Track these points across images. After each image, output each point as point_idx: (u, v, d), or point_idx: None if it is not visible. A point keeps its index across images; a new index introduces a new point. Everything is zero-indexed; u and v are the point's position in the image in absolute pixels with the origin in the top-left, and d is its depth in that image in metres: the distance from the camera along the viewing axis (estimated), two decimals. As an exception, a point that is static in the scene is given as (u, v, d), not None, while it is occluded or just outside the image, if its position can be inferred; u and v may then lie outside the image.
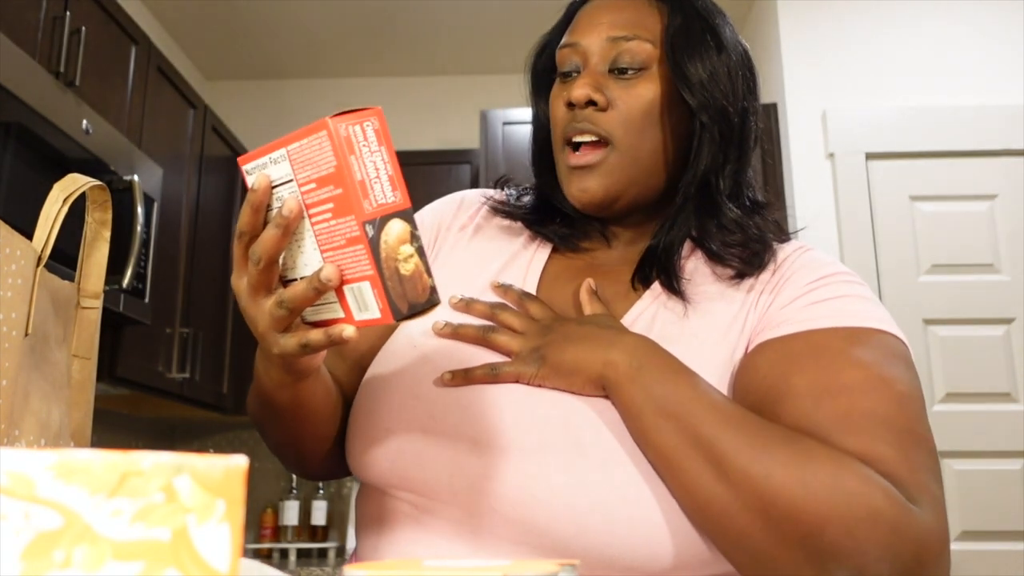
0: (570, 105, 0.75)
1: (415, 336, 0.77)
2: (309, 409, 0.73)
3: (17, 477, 0.27)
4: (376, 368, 0.78)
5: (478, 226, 0.86)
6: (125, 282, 1.93)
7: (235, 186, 3.03)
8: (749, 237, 0.75)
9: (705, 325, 0.72)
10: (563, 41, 0.79)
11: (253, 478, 3.20)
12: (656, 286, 0.75)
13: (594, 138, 0.74)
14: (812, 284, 0.71)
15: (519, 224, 0.84)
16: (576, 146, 0.76)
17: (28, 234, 0.70)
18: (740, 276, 0.74)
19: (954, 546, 2.35)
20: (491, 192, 0.89)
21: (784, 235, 0.79)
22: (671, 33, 0.74)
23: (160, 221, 2.30)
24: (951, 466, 2.40)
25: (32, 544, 0.26)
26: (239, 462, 0.29)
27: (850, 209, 2.58)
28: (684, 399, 0.61)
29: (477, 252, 0.84)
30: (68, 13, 1.95)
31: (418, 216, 0.87)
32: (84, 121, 1.89)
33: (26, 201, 1.68)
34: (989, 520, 2.36)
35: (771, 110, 2.83)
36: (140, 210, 2.00)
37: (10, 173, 1.66)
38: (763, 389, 0.64)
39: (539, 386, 0.67)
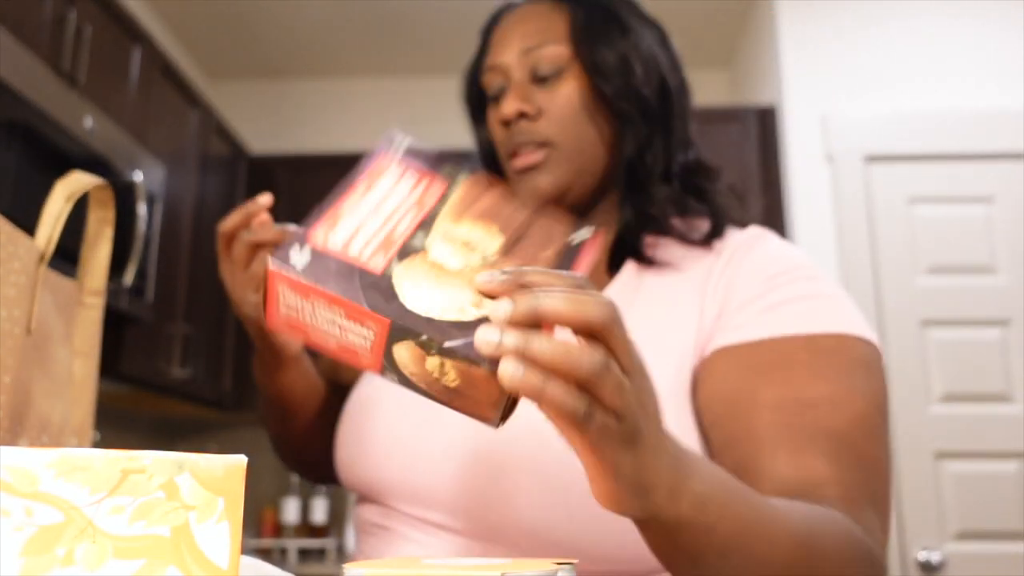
0: (505, 123, 0.78)
1: None
2: (293, 400, 0.81)
3: (19, 474, 0.27)
4: (366, 379, 0.80)
5: None
6: (127, 280, 1.93)
7: (236, 185, 3.03)
8: (694, 209, 0.78)
9: (667, 310, 0.73)
10: (484, 66, 0.82)
11: (253, 476, 3.20)
12: (624, 274, 0.77)
13: (535, 149, 0.77)
14: (770, 281, 0.70)
15: None
16: None
17: (31, 232, 0.70)
18: (705, 245, 0.76)
19: (951, 547, 2.35)
20: None
21: (741, 204, 0.80)
22: (576, 30, 0.77)
23: (162, 220, 2.30)
24: (948, 467, 2.41)
25: (33, 540, 0.27)
26: (239, 460, 0.29)
27: (849, 211, 2.58)
28: (739, 531, 0.51)
29: None
30: (72, 12, 1.95)
31: None
32: (87, 119, 1.90)
33: (29, 199, 1.68)
34: (986, 521, 2.36)
35: (770, 113, 2.83)
36: (142, 209, 2.00)
37: (13, 171, 1.66)
38: (731, 398, 0.65)
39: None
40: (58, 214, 0.72)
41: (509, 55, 0.78)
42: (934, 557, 2.31)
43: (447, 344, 0.40)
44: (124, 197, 2.00)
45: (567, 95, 0.77)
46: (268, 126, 3.54)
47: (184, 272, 2.59)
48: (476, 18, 3.54)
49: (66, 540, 0.27)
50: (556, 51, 0.77)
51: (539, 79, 0.77)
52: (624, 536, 0.62)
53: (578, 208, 0.81)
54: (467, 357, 0.40)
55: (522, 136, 0.77)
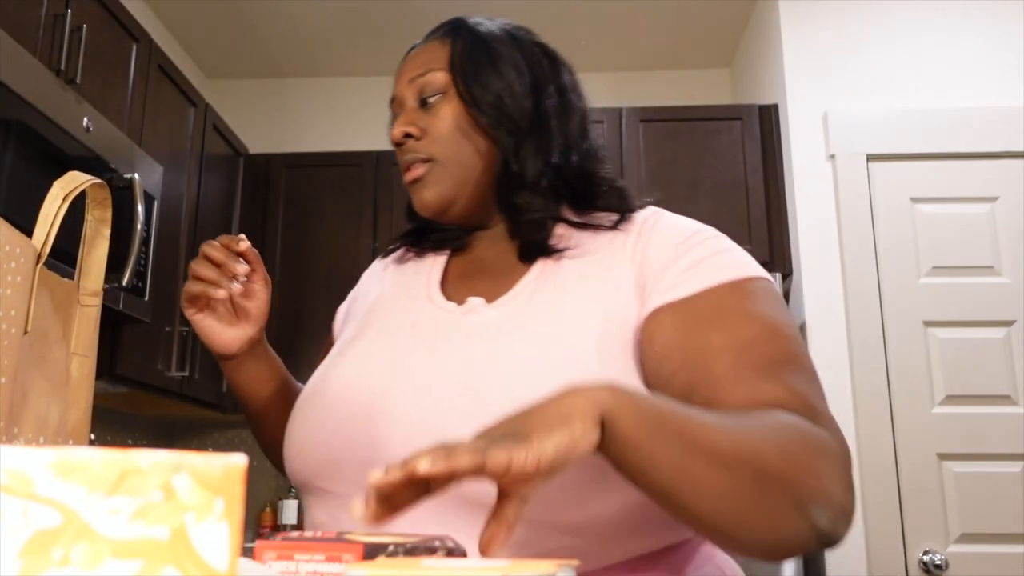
0: (397, 144, 0.89)
1: (343, 344, 0.89)
2: (243, 396, 0.96)
3: (16, 475, 0.27)
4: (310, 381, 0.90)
5: (395, 265, 0.99)
6: (125, 280, 1.93)
7: (235, 184, 3.03)
8: (596, 205, 0.88)
9: (585, 283, 0.81)
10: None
11: (252, 477, 3.20)
12: (539, 263, 0.85)
13: (420, 164, 0.88)
14: (681, 246, 0.80)
15: (423, 251, 0.97)
16: None
17: (28, 232, 0.70)
18: (613, 229, 0.85)
19: (953, 548, 2.35)
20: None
21: (619, 191, 0.89)
22: (454, 60, 0.89)
23: (160, 219, 2.30)
24: (951, 468, 2.40)
25: (31, 542, 0.26)
26: (238, 461, 0.29)
27: (851, 211, 2.58)
28: (679, 426, 0.62)
29: (389, 281, 0.96)
30: (69, 11, 1.95)
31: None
32: (85, 119, 1.89)
33: (26, 199, 1.68)
34: (988, 522, 2.36)
35: (772, 111, 2.83)
36: (140, 208, 1.99)
37: (10, 171, 1.66)
38: (684, 348, 0.74)
39: (534, 463, 0.54)
40: (55, 214, 0.71)
41: (401, 86, 0.91)
42: (936, 558, 2.31)
43: (409, 545, 0.51)
44: (121, 197, 1.99)
45: (445, 116, 0.87)
46: (266, 125, 3.54)
47: (182, 272, 2.59)
48: (475, 17, 3.45)
49: (63, 542, 0.27)
50: (436, 78, 0.88)
51: (424, 103, 0.88)
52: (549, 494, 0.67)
53: (470, 217, 0.89)
54: (426, 548, 0.52)
55: (409, 154, 0.88)
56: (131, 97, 2.27)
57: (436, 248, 0.95)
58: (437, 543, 0.54)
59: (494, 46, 0.90)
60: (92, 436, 0.85)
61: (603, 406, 0.58)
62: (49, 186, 0.72)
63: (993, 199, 2.57)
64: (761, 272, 0.80)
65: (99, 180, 0.77)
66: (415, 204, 0.89)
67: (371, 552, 0.50)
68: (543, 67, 0.91)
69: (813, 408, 0.70)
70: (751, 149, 2.81)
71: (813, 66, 2.74)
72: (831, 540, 0.65)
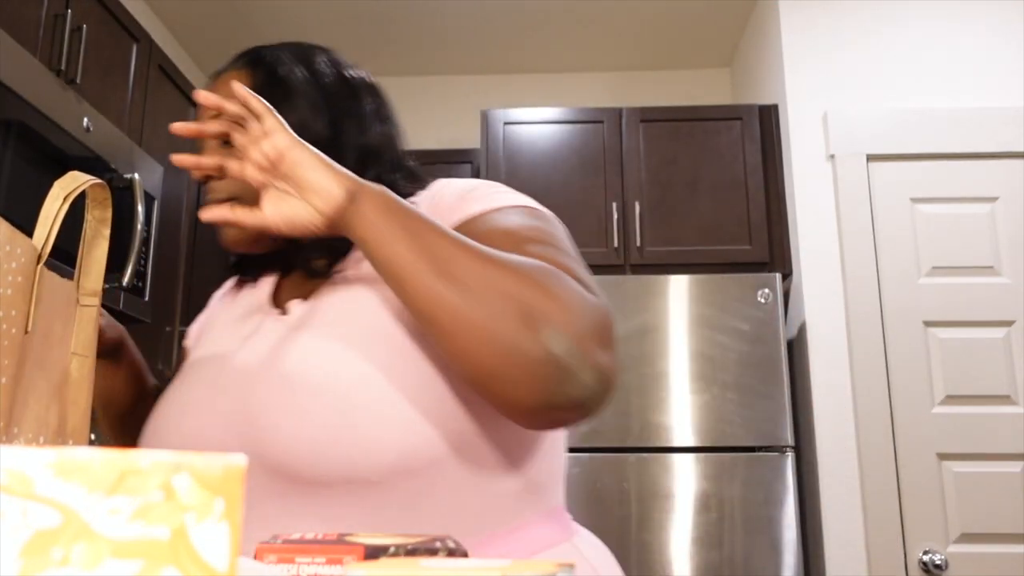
0: (201, 184, 0.90)
1: (188, 362, 0.91)
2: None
3: (16, 475, 0.27)
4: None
5: (234, 290, 1.00)
6: (125, 280, 1.93)
7: (235, 185, 3.03)
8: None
9: None
10: None
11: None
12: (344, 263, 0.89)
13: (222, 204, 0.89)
14: (470, 192, 0.86)
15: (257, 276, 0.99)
16: None
17: (28, 232, 0.70)
18: None
19: (953, 548, 2.35)
20: None
21: (419, 178, 0.95)
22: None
23: (160, 219, 2.30)
24: (950, 468, 2.40)
25: (30, 542, 0.26)
26: (238, 461, 0.29)
27: (851, 211, 2.58)
28: (420, 222, 0.71)
29: (228, 302, 0.98)
30: (69, 11, 1.95)
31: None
32: (85, 119, 1.89)
33: (26, 199, 1.68)
34: (988, 523, 2.36)
35: (772, 111, 2.83)
36: (140, 208, 1.99)
37: (11, 171, 1.66)
38: None
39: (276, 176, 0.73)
40: (55, 214, 0.71)
41: (203, 119, 0.90)
42: (936, 558, 2.31)
43: (410, 547, 0.51)
44: (122, 197, 1.99)
45: None
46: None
47: (182, 272, 2.59)
48: (473, 19, 3.52)
49: (63, 542, 0.27)
50: None
51: (225, 142, 0.87)
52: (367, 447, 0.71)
53: (280, 245, 0.91)
54: (427, 549, 0.53)
55: (213, 194, 0.88)
56: (131, 97, 2.27)
57: (265, 271, 0.97)
58: (438, 544, 0.55)
59: (289, 81, 0.91)
60: (92, 436, 0.86)
61: (363, 185, 0.71)
62: (49, 186, 0.72)
63: (993, 199, 2.57)
64: (538, 206, 0.86)
65: (99, 180, 0.77)
66: (223, 243, 0.90)
67: (372, 554, 0.51)
68: (342, 97, 0.93)
69: (579, 278, 0.73)
70: (751, 149, 2.81)
71: (813, 66, 2.74)
72: (572, 382, 0.66)
